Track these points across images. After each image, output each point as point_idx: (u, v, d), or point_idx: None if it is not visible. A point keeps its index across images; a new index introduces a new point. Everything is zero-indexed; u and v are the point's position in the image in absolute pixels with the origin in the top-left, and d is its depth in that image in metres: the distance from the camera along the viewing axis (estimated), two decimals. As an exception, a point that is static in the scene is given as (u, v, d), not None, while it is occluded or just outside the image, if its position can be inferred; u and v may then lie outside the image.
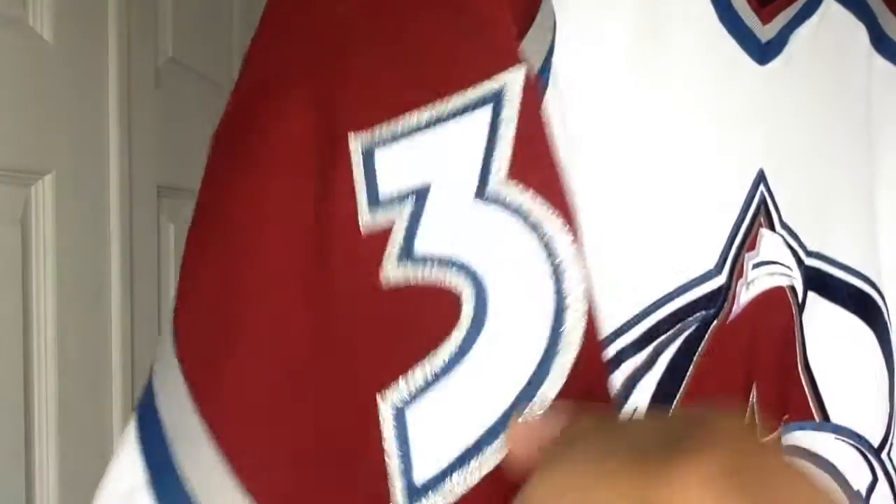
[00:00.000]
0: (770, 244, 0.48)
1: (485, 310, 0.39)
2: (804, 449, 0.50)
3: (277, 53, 0.42)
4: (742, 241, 0.48)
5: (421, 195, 0.40)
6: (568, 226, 0.39)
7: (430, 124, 0.39)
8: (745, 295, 0.47)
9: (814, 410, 0.51)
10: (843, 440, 0.52)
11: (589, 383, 0.41)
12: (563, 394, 0.40)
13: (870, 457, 0.53)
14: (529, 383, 0.39)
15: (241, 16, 1.31)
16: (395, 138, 0.39)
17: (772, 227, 0.49)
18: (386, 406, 0.38)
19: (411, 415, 0.39)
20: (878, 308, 0.53)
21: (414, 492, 0.38)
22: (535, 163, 0.41)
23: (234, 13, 1.29)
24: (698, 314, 0.46)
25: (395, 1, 0.41)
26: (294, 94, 0.39)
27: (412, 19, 0.40)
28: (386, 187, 0.39)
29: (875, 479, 0.52)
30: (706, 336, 0.47)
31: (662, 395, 0.45)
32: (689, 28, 0.46)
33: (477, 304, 0.39)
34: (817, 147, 0.50)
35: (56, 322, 0.78)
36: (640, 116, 0.46)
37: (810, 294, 0.50)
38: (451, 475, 0.39)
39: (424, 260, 0.39)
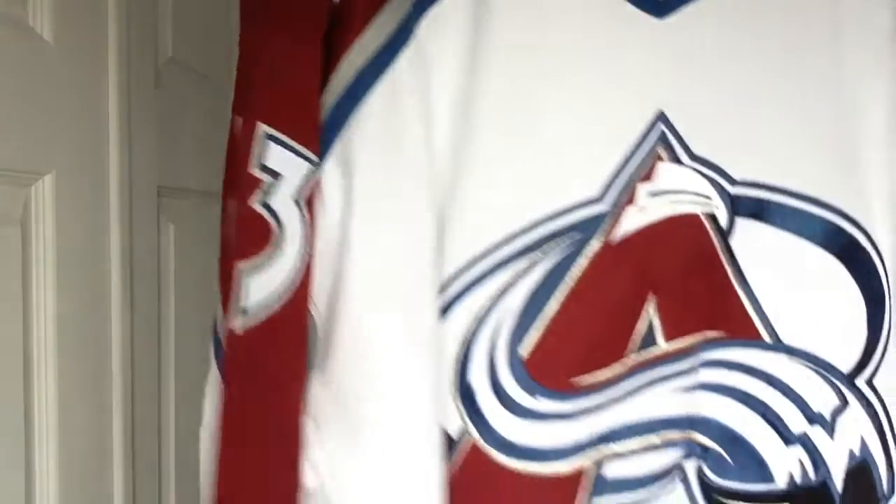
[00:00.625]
0: (673, 175, 0.53)
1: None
2: (753, 367, 0.55)
3: None
4: (633, 173, 0.52)
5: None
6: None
7: None
8: (635, 220, 0.52)
9: (761, 331, 0.55)
10: (800, 363, 0.55)
11: None
12: None
13: (836, 381, 0.56)
14: None
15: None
16: None
17: (677, 161, 0.53)
18: None
19: None
20: (845, 235, 0.55)
21: None
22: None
23: (233, 13, 1.29)
24: (570, 237, 0.52)
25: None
26: None
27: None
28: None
29: (844, 404, 0.56)
30: (583, 254, 0.52)
31: (530, 312, 0.52)
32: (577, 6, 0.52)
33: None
34: (744, 85, 0.53)
35: (56, 322, 0.78)
36: (535, 71, 0.52)
37: (742, 220, 0.54)
38: None
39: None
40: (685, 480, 0.56)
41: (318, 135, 0.53)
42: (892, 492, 0.57)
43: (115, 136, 0.89)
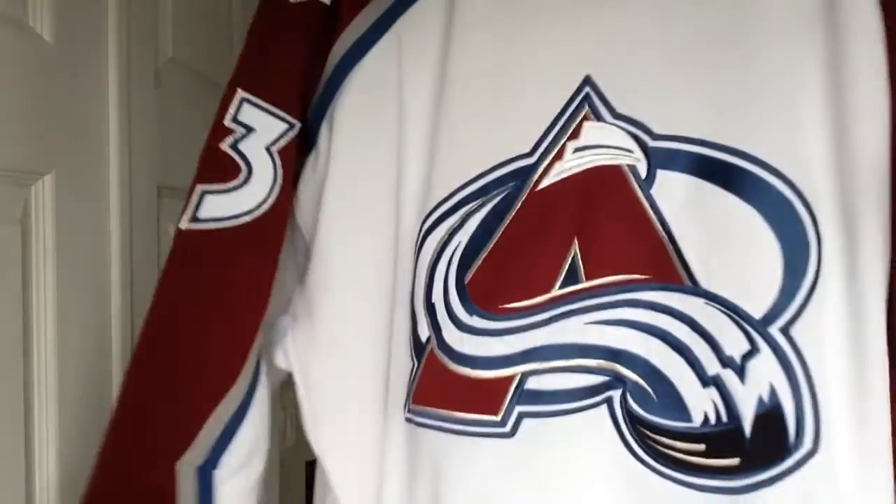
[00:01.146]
0: (596, 132, 0.61)
1: None
2: (673, 309, 0.60)
3: None
4: (560, 131, 0.62)
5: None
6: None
7: None
8: (561, 171, 0.62)
9: (681, 275, 0.60)
10: (715, 307, 0.60)
11: None
12: None
13: (746, 327, 0.60)
14: None
15: (241, 16, 1.31)
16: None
17: (601, 119, 0.61)
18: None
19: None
20: (762, 182, 0.59)
21: None
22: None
23: (233, 13, 1.29)
24: (507, 185, 0.63)
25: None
26: None
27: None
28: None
29: (753, 349, 0.60)
30: (518, 198, 0.62)
31: (474, 245, 0.63)
32: None
33: None
34: (665, 48, 0.61)
35: (56, 322, 0.78)
36: (488, 52, 0.64)
37: (662, 171, 0.60)
38: None
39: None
40: (611, 407, 0.62)
41: (298, 102, 0.68)
42: (801, 443, 0.58)
43: (115, 136, 0.89)
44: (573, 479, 0.62)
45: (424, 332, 0.66)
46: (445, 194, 0.64)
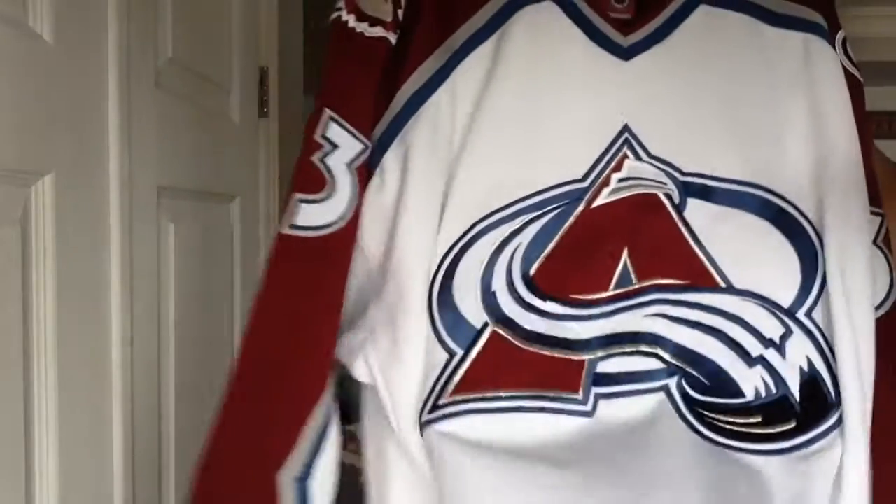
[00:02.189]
0: (635, 168, 0.75)
1: None
2: (709, 305, 0.74)
3: None
4: (606, 165, 0.75)
5: None
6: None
7: None
8: (609, 196, 0.75)
9: (716, 279, 0.75)
10: (750, 300, 0.75)
11: None
12: None
13: (779, 314, 0.75)
14: None
15: (240, 16, 1.31)
16: None
17: (639, 158, 0.76)
18: None
19: None
20: (774, 206, 0.76)
21: None
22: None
23: (233, 13, 1.29)
24: (563, 202, 0.74)
25: None
26: None
27: None
28: None
29: (788, 332, 0.75)
30: (571, 214, 0.74)
31: (536, 245, 0.74)
32: (567, 46, 0.77)
33: None
34: (688, 105, 0.76)
35: (56, 322, 0.78)
36: (538, 97, 0.76)
37: (691, 199, 0.76)
38: None
39: None
40: (669, 393, 0.74)
41: (370, 128, 0.77)
42: (840, 401, 0.73)
43: (115, 136, 0.89)
44: (648, 456, 0.72)
45: (476, 318, 0.72)
46: (502, 204, 0.74)
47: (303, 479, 0.72)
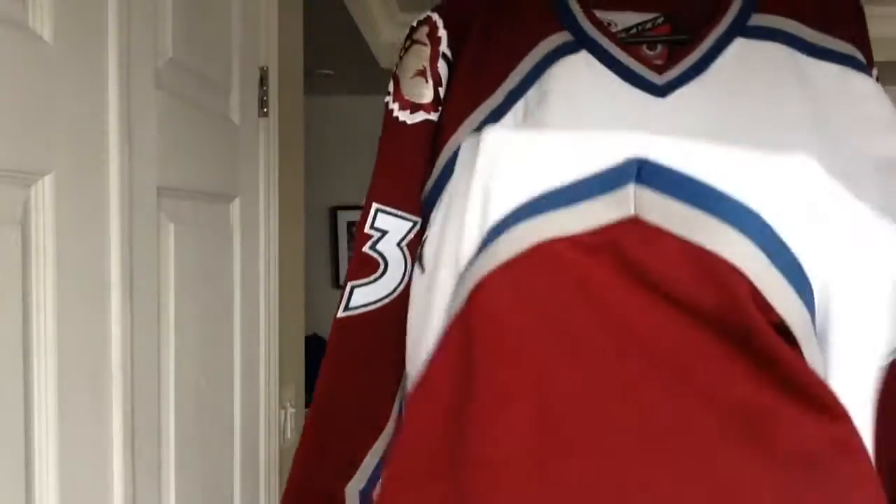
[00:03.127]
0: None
1: None
2: None
3: None
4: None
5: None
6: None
7: None
8: None
9: None
10: None
11: None
12: None
13: None
14: None
15: (240, 16, 1.31)
16: None
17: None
18: None
19: None
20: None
21: None
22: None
23: (233, 13, 1.29)
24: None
25: None
26: None
27: None
28: None
29: None
30: None
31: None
32: (602, 87, 0.84)
33: None
34: (723, 134, 0.76)
35: (56, 322, 0.78)
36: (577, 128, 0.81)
37: None
38: None
39: None
40: None
41: (418, 202, 0.87)
42: None
43: (115, 136, 0.89)
44: None
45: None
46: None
47: (365, 491, 0.89)
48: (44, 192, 0.77)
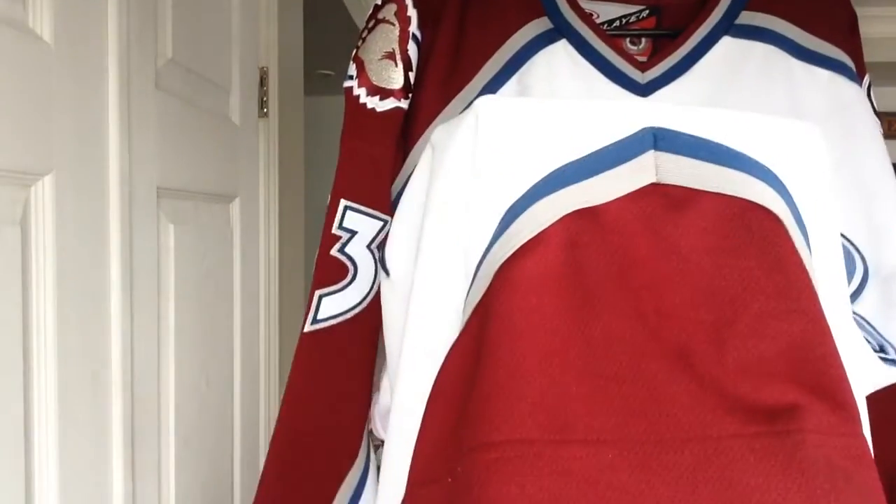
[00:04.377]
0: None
1: None
2: None
3: None
4: None
5: None
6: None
7: None
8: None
9: None
10: None
11: None
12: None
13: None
14: None
15: (240, 16, 1.31)
16: None
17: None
18: None
19: None
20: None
21: None
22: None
23: (233, 13, 1.29)
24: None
25: None
26: None
27: None
28: None
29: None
30: None
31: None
32: (582, 84, 0.81)
33: None
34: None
35: (56, 322, 0.78)
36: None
37: None
38: None
39: None
40: None
41: (388, 198, 0.79)
42: None
43: (115, 136, 0.89)
44: None
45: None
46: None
47: None
48: (44, 192, 0.77)
